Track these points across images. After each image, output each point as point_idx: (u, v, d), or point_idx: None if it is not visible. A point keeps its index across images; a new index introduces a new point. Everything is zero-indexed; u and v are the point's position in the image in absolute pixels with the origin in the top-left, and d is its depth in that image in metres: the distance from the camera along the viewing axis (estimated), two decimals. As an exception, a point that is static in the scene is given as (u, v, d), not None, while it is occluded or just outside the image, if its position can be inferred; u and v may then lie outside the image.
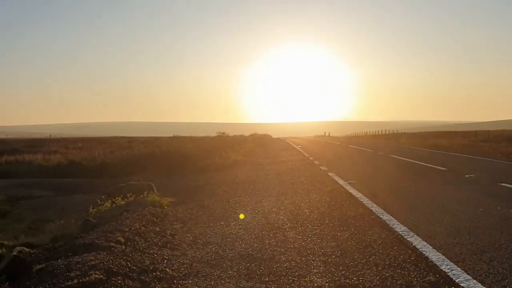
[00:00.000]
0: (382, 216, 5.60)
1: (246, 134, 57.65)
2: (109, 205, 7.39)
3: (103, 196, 9.10)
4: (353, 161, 15.77)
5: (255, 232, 5.30)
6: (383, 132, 68.30)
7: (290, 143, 37.90)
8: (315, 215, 6.04)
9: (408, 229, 4.89)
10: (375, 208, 6.15)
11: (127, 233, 5.13)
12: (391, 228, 4.99)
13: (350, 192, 7.70)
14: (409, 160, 14.99)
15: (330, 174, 10.66)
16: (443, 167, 11.91)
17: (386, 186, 8.59)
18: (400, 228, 4.96)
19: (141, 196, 7.78)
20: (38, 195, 12.25)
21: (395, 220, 5.33)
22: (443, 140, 33.67)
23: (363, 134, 78.82)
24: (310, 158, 16.56)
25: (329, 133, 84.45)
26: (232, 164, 15.76)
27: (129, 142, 37.31)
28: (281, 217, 6.09)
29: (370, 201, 6.69)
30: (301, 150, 24.11)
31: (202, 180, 12.18)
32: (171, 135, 55.08)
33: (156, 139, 43.21)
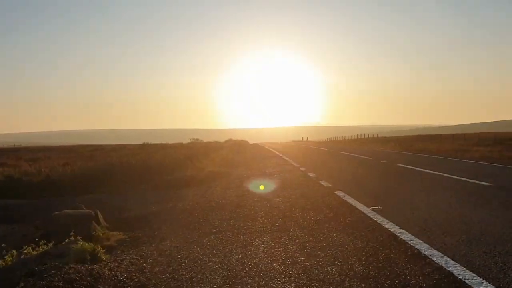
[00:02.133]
0: (473, 284, 3.08)
1: (221, 140, 55.22)
2: (10, 259, 4.61)
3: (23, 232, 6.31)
4: (358, 173, 12.71)
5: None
6: (362, 137, 67.16)
7: (271, 149, 35.43)
8: (352, 281, 3.48)
9: None
10: (447, 262, 3.61)
11: None
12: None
13: (386, 228, 5.08)
14: (426, 171, 12.20)
15: (337, 193, 8.05)
16: (478, 180, 9.36)
17: (435, 216, 5.69)
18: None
19: (67, 240, 5.02)
20: None
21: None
22: (430, 145, 32.06)
23: (341, 138, 77.40)
24: (302, 169, 13.94)
25: (307, 138, 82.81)
26: (206, 177, 13.03)
27: (93, 151, 33.87)
28: (293, 286, 3.51)
29: (430, 248, 4.14)
30: (286, 158, 21.56)
31: (168, 200, 9.39)
32: (141, 142, 51.82)
33: (124, 147, 39.85)
